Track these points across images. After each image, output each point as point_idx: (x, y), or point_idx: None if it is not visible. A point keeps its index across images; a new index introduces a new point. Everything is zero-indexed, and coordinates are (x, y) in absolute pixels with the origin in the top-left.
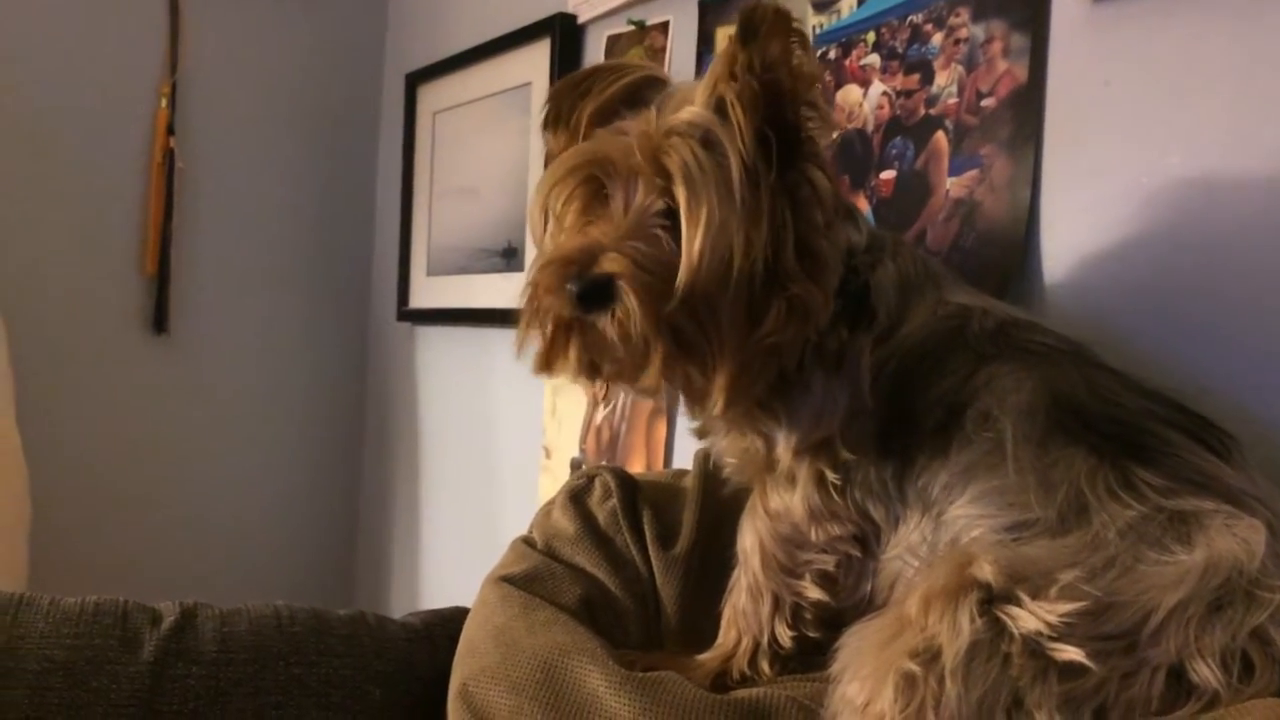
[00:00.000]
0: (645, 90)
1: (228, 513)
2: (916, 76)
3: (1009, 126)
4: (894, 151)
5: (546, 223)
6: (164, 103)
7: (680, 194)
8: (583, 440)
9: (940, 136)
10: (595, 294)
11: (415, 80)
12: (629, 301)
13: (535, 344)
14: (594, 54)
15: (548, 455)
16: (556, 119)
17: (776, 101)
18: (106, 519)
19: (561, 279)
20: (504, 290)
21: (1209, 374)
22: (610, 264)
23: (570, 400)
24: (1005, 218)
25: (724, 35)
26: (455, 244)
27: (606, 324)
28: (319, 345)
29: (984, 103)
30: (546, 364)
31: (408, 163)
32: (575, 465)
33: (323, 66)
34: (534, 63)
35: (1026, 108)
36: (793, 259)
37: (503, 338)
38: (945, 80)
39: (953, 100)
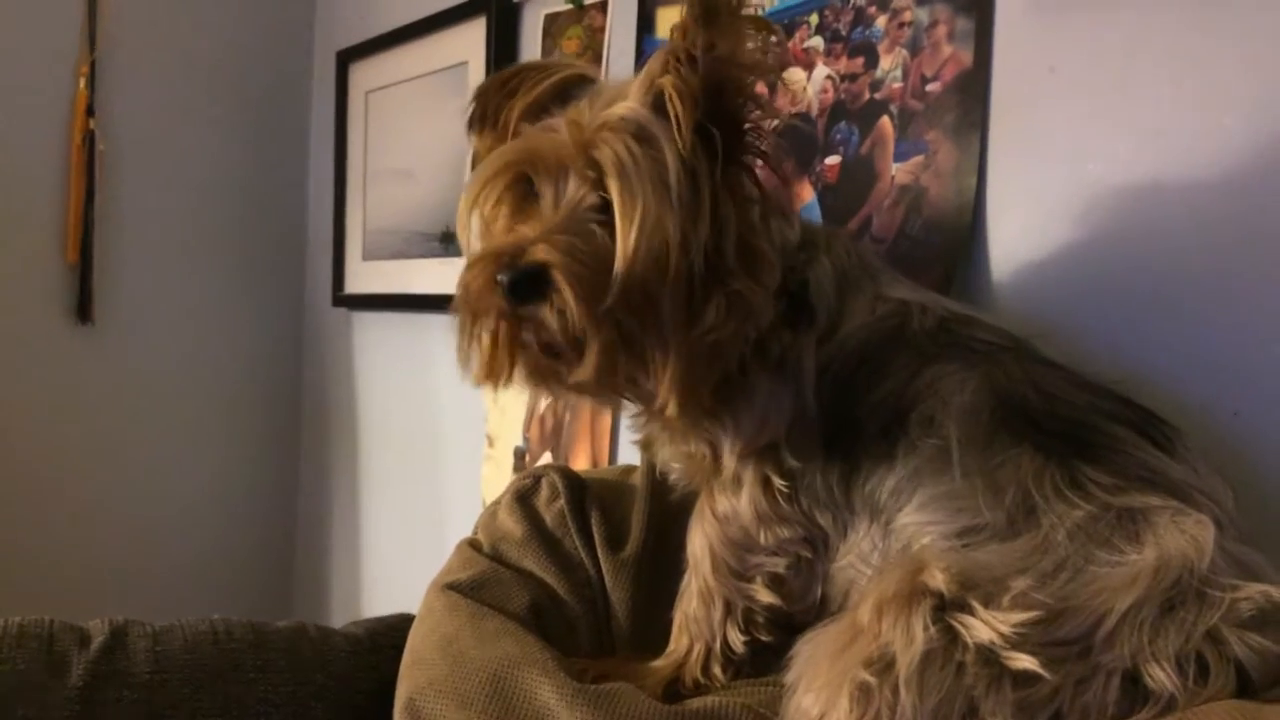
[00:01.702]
0: (575, 89)
1: (158, 511)
2: (861, 60)
3: (954, 112)
4: (839, 136)
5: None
6: (82, 83)
7: (613, 187)
8: (526, 428)
9: (885, 121)
10: (527, 284)
11: (346, 58)
12: (565, 292)
13: (474, 354)
14: (531, 33)
15: (491, 444)
16: (483, 118)
17: (719, 93)
18: (27, 519)
19: (491, 274)
20: (443, 275)
21: (1154, 364)
22: (541, 253)
23: (512, 388)
24: (951, 204)
25: (665, 16)
26: (391, 227)
27: (545, 314)
28: (251, 333)
29: (929, 87)
30: (488, 373)
31: (340, 144)
32: (519, 454)
33: (249, 43)
34: (470, 42)
35: (971, 93)
36: (733, 255)
37: (443, 324)
38: (890, 64)
39: (897, 85)
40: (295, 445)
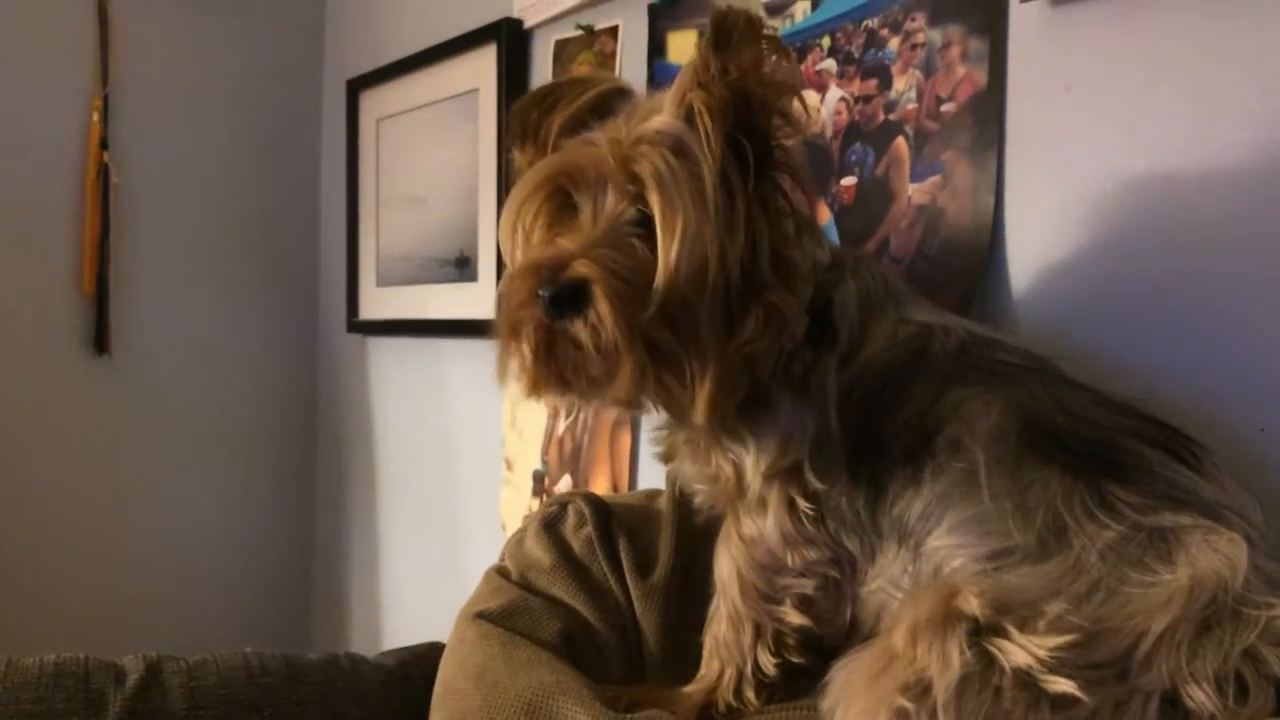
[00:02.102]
0: (613, 102)
1: (176, 541)
2: (874, 81)
3: (970, 132)
4: (854, 158)
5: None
6: (95, 117)
7: (654, 200)
8: (544, 452)
9: (901, 142)
10: (567, 299)
11: (357, 87)
12: (601, 307)
13: (515, 366)
14: (541, 59)
15: (509, 468)
16: (523, 134)
17: (746, 109)
18: (47, 551)
19: (531, 288)
20: (458, 300)
21: (1178, 381)
22: (582, 268)
23: (530, 411)
24: (969, 224)
25: (676, 41)
26: (405, 254)
27: (579, 330)
28: (267, 361)
29: (944, 108)
30: (534, 384)
31: (352, 171)
32: (538, 478)
33: (260, 74)
34: (480, 69)
35: (987, 113)
36: (768, 268)
37: (459, 348)
38: (904, 85)
39: (912, 105)
40: (311, 472)
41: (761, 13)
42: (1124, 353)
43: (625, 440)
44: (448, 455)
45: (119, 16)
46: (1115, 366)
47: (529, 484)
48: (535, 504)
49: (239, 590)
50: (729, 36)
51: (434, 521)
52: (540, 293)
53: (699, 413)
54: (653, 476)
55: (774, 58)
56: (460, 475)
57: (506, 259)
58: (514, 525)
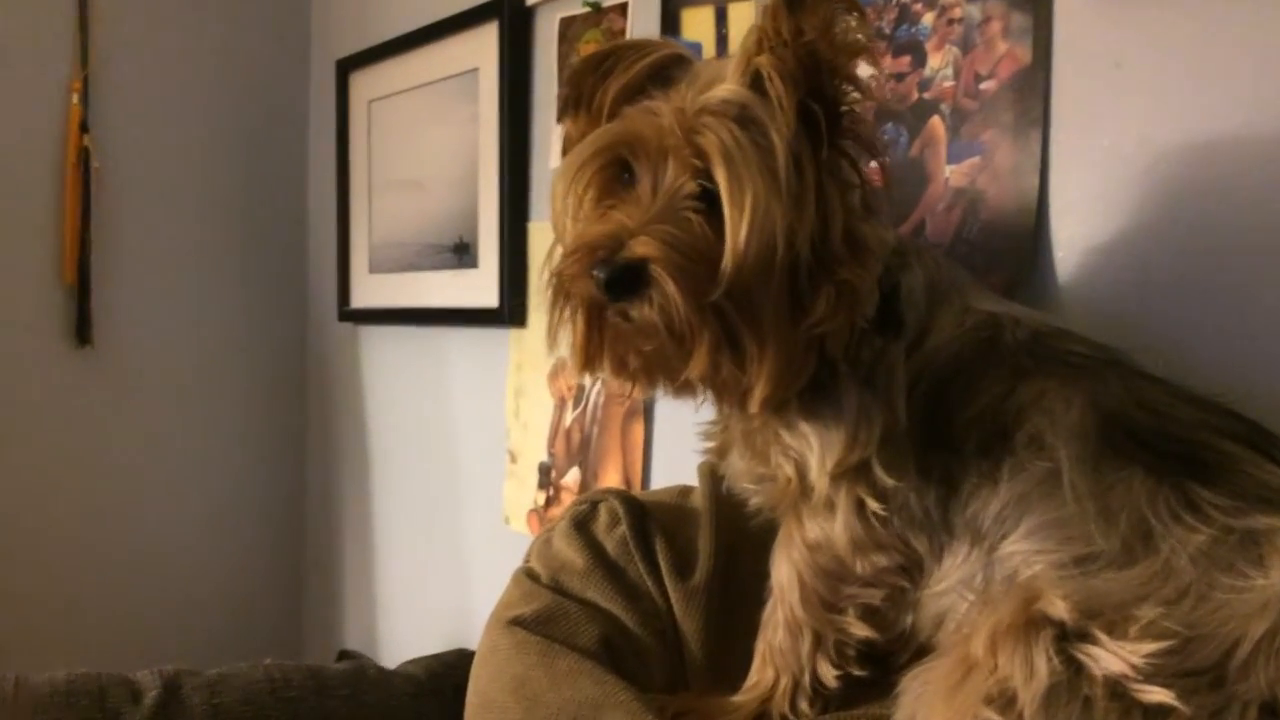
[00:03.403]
0: (671, 69)
1: (161, 538)
2: (907, 58)
3: (1012, 111)
4: (885, 138)
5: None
6: (75, 99)
7: (720, 176)
8: (551, 444)
9: (936, 121)
10: (626, 280)
11: (347, 67)
12: (667, 287)
13: (568, 339)
14: (546, 38)
15: (513, 460)
16: (578, 101)
17: (815, 75)
18: (26, 548)
19: (587, 266)
20: (457, 288)
21: (1243, 376)
22: (641, 247)
23: (535, 401)
24: (1011, 207)
25: (690, 18)
26: (400, 240)
27: (644, 311)
28: (255, 351)
29: (983, 85)
30: (587, 360)
31: (342, 155)
32: (544, 470)
33: (246, 54)
34: (481, 48)
35: (1031, 91)
36: (840, 242)
37: (459, 337)
38: (939, 62)
39: (949, 84)
40: (301, 466)
41: None
42: (1181, 344)
43: (638, 432)
44: (447, 448)
45: None
46: (1170, 359)
47: (534, 477)
48: (541, 497)
49: (227, 588)
50: None
51: (433, 517)
52: (596, 274)
53: (756, 399)
54: (665, 469)
55: (847, 17)
56: (460, 468)
57: (557, 230)
58: (518, 519)
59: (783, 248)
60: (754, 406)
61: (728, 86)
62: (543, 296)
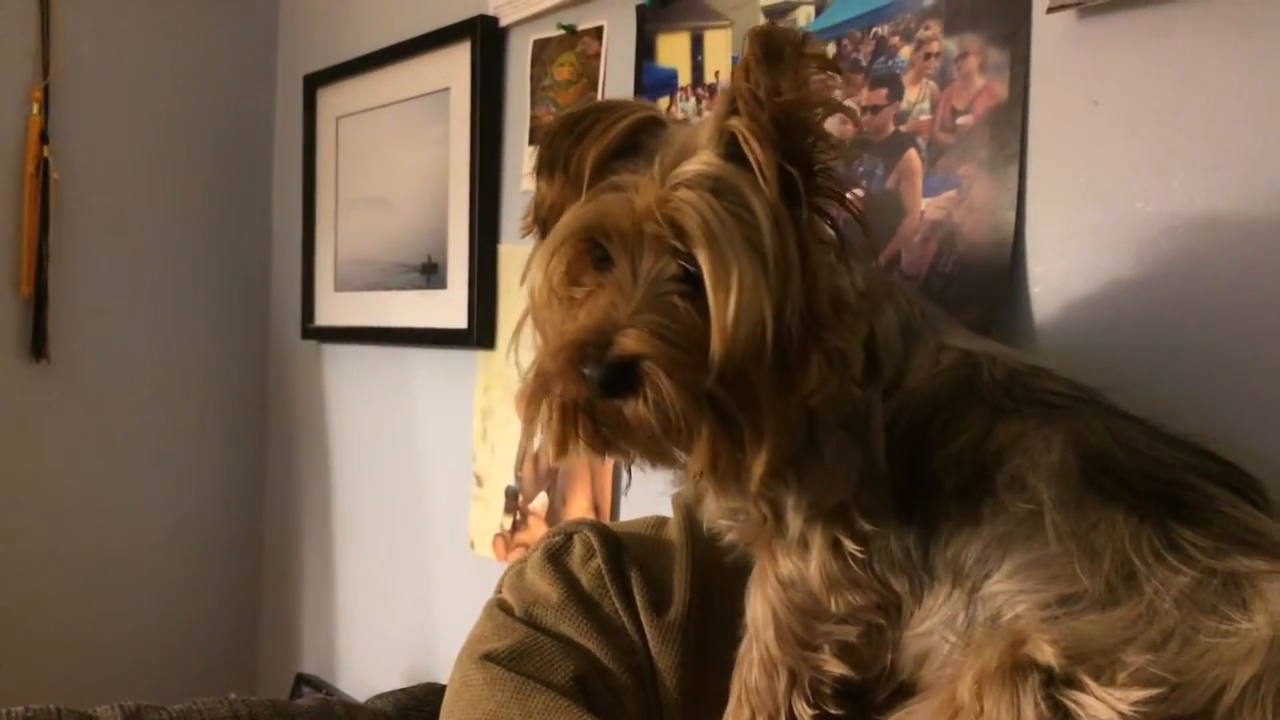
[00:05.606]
0: (642, 134)
1: (117, 557)
2: (884, 91)
3: (988, 146)
4: (861, 170)
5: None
6: (35, 108)
7: (703, 257)
8: (518, 468)
9: (912, 155)
10: (619, 379)
11: (315, 83)
12: (661, 383)
13: (543, 429)
14: (519, 60)
15: (480, 484)
16: (552, 163)
17: (789, 134)
18: None
19: (575, 365)
20: (425, 308)
21: (1217, 416)
22: (631, 343)
23: (502, 424)
24: (987, 241)
25: (666, 43)
26: (367, 258)
27: (637, 409)
28: (215, 368)
29: (960, 120)
30: (562, 449)
31: (308, 171)
32: (510, 495)
33: (211, 66)
34: (452, 67)
35: (1007, 127)
36: (827, 307)
37: (426, 358)
38: (916, 96)
39: (925, 117)
40: (261, 486)
41: (761, 18)
42: (1156, 384)
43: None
44: (411, 470)
45: (61, 1)
46: (1146, 399)
47: (501, 500)
48: (508, 521)
49: (183, 609)
50: (779, 55)
51: (396, 540)
52: (587, 373)
53: (756, 479)
54: (635, 497)
55: (825, 73)
56: (425, 491)
57: (535, 320)
58: (483, 544)
59: (772, 324)
60: (755, 486)
61: (703, 156)
62: (521, 395)
